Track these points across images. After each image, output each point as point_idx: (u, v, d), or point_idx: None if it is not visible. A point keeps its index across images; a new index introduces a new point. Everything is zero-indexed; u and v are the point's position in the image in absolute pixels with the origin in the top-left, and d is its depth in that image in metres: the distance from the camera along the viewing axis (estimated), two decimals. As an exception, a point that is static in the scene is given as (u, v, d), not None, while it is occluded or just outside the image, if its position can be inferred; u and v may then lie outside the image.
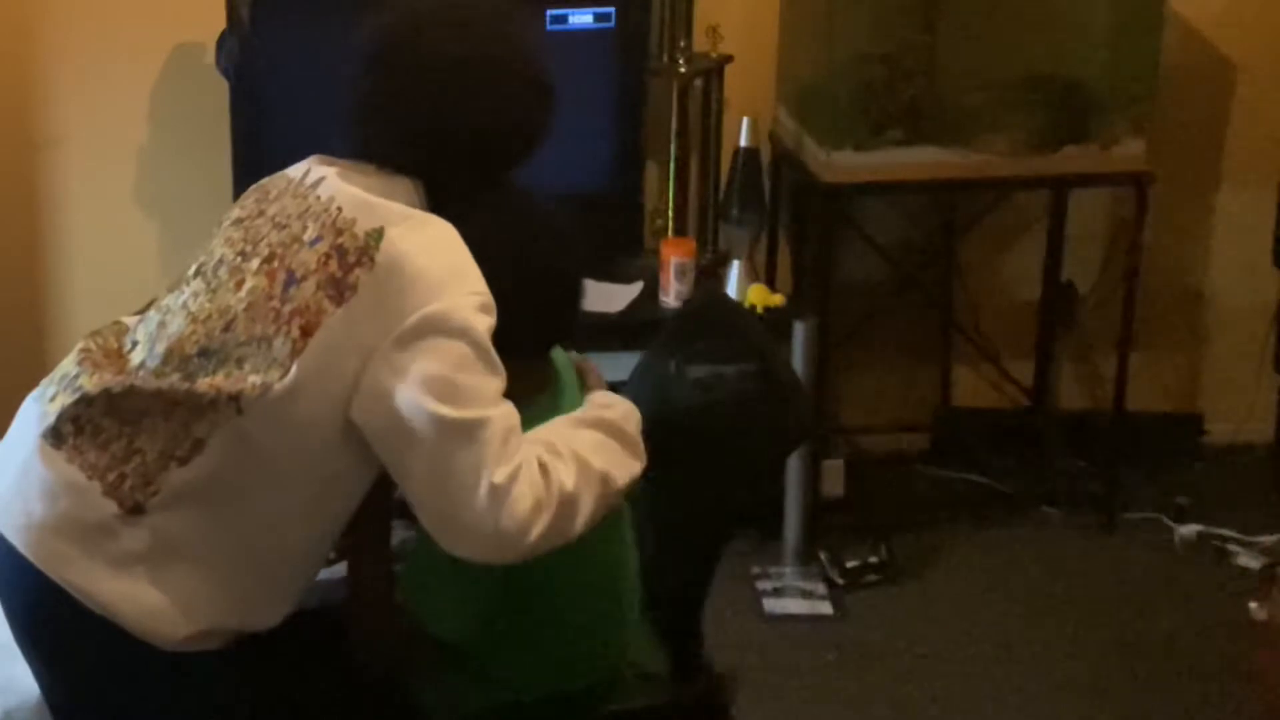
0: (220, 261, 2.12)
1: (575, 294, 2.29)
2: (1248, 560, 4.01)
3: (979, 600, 3.86)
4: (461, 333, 1.98)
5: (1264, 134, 4.35)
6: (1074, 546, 4.09)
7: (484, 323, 2.00)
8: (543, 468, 2.02)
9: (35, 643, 2.16)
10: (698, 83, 3.96)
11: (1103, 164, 3.93)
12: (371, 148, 2.14)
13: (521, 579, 2.19)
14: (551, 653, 2.32)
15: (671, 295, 3.80)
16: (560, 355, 2.37)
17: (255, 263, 2.07)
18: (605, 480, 2.09)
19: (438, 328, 1.97)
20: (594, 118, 3.84)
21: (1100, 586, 3.92)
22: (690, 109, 3.97)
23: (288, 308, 2.01)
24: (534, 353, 2.28)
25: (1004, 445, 4.42)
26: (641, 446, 2.19)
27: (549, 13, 3.72)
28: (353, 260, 2.00)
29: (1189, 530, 4.11)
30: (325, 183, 2.11)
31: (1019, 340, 4.44)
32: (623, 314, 3.78)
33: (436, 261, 2.01)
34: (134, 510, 2.04)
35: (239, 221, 2.16)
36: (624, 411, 2.20)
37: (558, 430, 2.12)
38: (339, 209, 2.06)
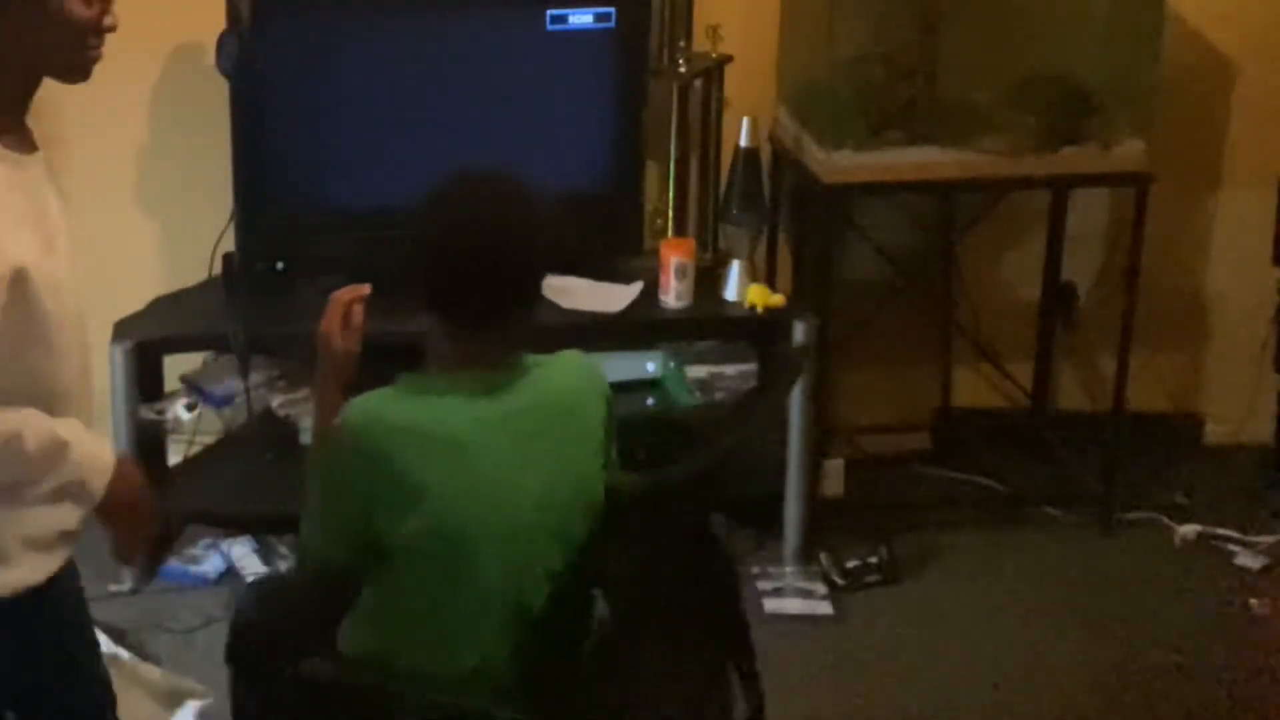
0: None
1: (517, 271, 2.27)
2: (1248, 560, 4.01)
3: (979, 600, 3.85)
4: None
5: (1264, 134, 4.34)
6: (1074, 546, 4.09)
7: None
8: None
9: None
10: (698, 83, 3.96)
11: (1103, 164, 3.93)
12: None
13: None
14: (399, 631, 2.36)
15: (671, 295, 3.79)
16: (566, 367, 2.37)
17: None
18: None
19: None
20: (594, 118, 3.84)
21: (1100, 586, 3.92)
22: (690, 109, 3.97)
23: None
24: (455, 319, 2.28)
25: (1004, 445, 4.42)
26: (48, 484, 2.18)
27: (549, 13, 3.72)
28: None
29: (1189, 530, 4.11)
30: None
31: (1019, 340, 4.44)
32: (622, 314, 3.78)
33: None
34: None
35: None
36: (91, 452, 2.21)
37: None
38: None
